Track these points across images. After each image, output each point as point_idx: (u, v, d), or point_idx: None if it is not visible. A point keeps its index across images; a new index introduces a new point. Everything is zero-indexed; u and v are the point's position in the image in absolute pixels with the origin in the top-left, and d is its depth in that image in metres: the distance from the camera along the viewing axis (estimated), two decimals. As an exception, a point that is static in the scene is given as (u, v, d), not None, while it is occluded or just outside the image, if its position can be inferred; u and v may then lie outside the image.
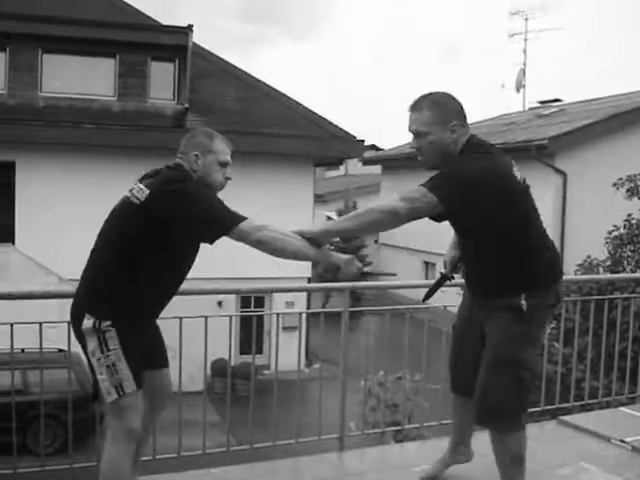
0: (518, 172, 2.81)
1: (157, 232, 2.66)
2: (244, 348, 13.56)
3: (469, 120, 2.85)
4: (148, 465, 3.46)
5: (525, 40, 27.60)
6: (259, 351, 14.62)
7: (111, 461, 2.77)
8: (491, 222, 2.72)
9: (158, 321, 2.97)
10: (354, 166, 30.46)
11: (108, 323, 2.67)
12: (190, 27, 15.11)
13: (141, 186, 2.70)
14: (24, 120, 13.86)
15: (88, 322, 2.68)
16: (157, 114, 15.29)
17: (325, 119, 16.34)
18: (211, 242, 2.69)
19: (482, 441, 3.20)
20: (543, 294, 2.84)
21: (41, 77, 14.69)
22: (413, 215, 2.63)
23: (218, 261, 12.47)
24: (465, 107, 2.83)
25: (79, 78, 14.88)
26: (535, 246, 2.82)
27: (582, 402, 5.01)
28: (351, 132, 16.43)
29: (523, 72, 26.84)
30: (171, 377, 3.08)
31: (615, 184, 10.88)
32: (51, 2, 14.95)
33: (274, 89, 16.50)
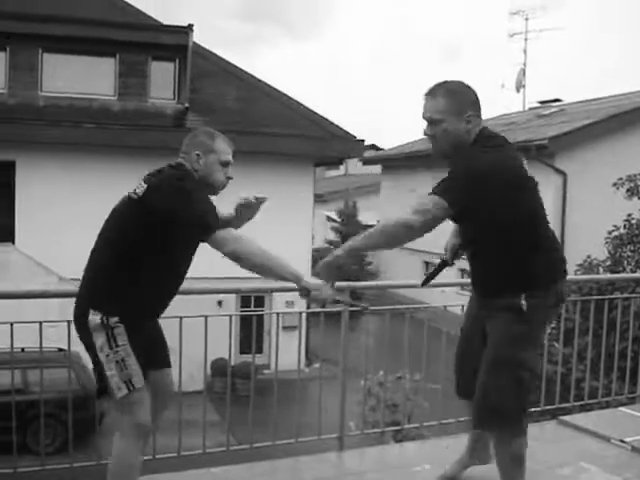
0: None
1: (156, 232, 2.67)
2: (244, 348, 13.55)
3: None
4: (148, 464, 3.46)
5: (525, 40, 27.64)
6: (259, 351, 14.62)
7: (120, 456, 2.77)
8: (495, 219, 2.69)
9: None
10: (354, 166, 30.48)
11: (116, 319, 2.68)
12: (190, 27, 15.12)
13: (142, 182, 2.75)
14: (24, 119, 13.86)
15: (95, 318, 2.69)
16: (157, 114, 15.29)
17: (325, 119, 16.34)
18: (195, 244, 2.75)
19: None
20: (543, 294, 2.82)
21: (41, 76, 14.69)
22: (428, 226, 2.62)
23: (218, 260, 12.46)
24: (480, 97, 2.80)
25: (79, 78, 14.88)
26: (539, 246, 2.79)
27: (582, 402, 5.01)
28: (351, 132, 16.44)
29: (523, 72, 26.85)
30: (172, 377, 3.08)
31: (615, 184, 10.88)
32: (51, 2, 14.95)
33: (274, 89, 16.50)
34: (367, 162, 26.03)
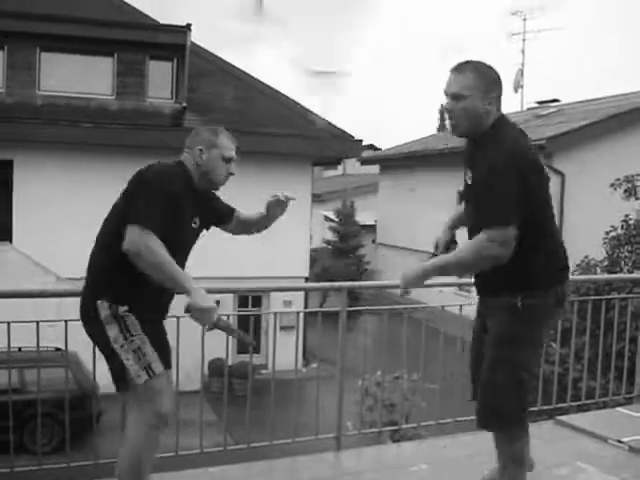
0: None
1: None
2: (241, 347, 13.54)
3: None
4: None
5: (523, 40, 27.62)
6: (256, 350, 14.62)
7: (133, 448, 2.75)
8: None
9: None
10: (352, 166, 30.47)
11: (125, 308, 2.70)
12: (188, 26, 15.11)
13: None
14: (22, 118, 13.84)
15: (104, 308, 2.70)
16: (155, 113, 15.28)
17: (323, 119, 16.33)
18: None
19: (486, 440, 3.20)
20: (542, 294, 2.80)
21: (39, 75, 14.67)
22: (513, 240, 2.62)
23: (216, 260, 12.49)
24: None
25: (77, 77, 14.86)
26: (539, 246, 2.76)
27: (579, 402, 5.02)
28: (349, 132, 16.44)
29: (521, 72, 26.83)
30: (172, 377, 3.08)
31: (613, 184, 10.89)
32: (50, 1, 14.93)
33: (272, 88, 16.50)
34: (365, 162, 26.04)
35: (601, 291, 7.93)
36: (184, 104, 15.29)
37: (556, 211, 2.94)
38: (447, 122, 2.84)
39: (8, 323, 3.47)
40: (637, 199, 10.69)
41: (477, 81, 2.71)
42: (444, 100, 2.80)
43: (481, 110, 2.73)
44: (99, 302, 2.71)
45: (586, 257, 10.16)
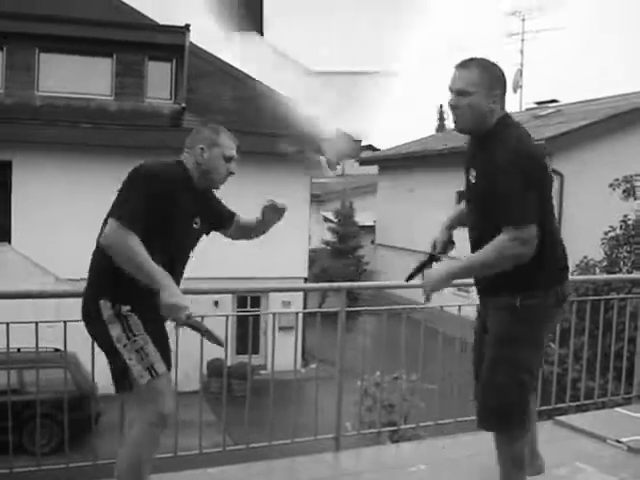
0: None
1: (146, 232, 2.65)
2: (240, 348, 13.54)
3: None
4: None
5: (522, 41, 27.65)
6: (255, 351, 14.61)
7: (133, 448, 2.74)
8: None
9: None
10: (351, 166, 30.48)
11: (128, 308, 2.70)
12: (187, 27, 15.10)
13: None
14: (21, 119, 13.83)
15: (107, 308, 2.70)
16: (154, 114, 15.27)
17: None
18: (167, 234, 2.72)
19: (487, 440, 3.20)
20: (542, 294, 2.79)
21: (38, 76, 14.66)
22: (535, 238, 2.64)
23: (215, 261, 12.47)
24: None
25: (76, 77, 14.85)
26: (541, 246, 2.72)
27: (578, 402, 5.02)
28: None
29: (520, 73, 26.84)
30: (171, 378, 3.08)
31: (611, 185, 10.89)
32: (48, 1, 14.91)
33: (272, 89, 16.48)
34: (364, 162, 26.03)
35: (600, 291, 7.94)
36: (183, 105, 15.28)
37: (555, 211, 2.94)
38: (451, 119, 2.85)
39: (7, 324, 3.47)
40: (636, 199, 10.69)
41: (482, 77, 2.72)
42: (449, 96, 2.80)
43: (485, 108, 2.74)
44: (102, 302, 2.71)
45: (585, 257, 10.17)
